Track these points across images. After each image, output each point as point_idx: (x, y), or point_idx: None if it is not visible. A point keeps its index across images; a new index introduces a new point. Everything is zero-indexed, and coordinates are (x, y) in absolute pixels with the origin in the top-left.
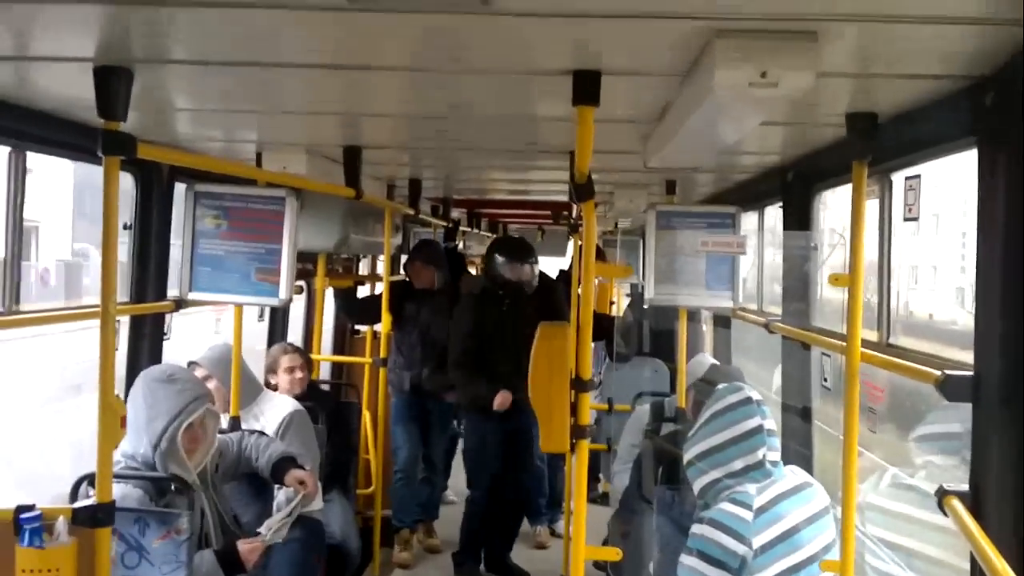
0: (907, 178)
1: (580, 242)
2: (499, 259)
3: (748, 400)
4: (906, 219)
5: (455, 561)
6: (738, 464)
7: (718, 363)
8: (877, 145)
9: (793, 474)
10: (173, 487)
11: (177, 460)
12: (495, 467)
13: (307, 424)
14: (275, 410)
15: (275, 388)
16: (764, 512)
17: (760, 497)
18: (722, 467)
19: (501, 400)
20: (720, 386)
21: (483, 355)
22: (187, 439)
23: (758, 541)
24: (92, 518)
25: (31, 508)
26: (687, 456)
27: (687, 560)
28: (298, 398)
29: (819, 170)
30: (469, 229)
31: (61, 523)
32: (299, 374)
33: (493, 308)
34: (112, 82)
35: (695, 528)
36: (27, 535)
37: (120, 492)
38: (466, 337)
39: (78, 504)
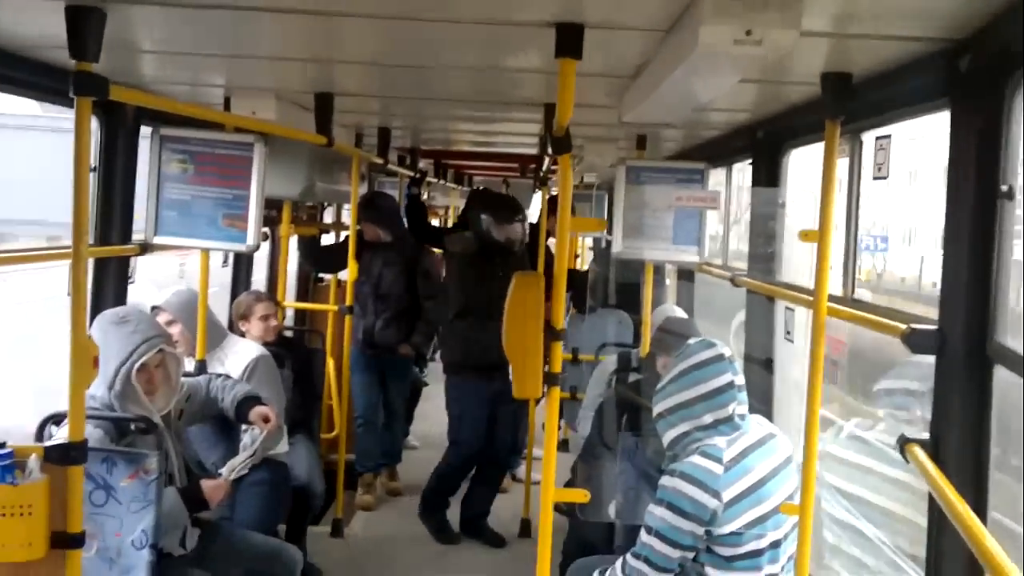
0: (878, 138)
1: (548, 195)
2: (486, 218)
3: (720, 357)
4: (875, 178)
5: (423, 505)
6: (708, 419)
7: (675, 316)
8: (850, 105)
9: (759, 425)
10: (134, 427)
11: (135, 401)
12: (481, 424)
13: (272, 369)
14: (240, 355)
15: (243, 335)
16: (734, 465)
17: (729, 450)
18: (691, 421)
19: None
20: (692, 341)
21: (475, 316)
22: (143, 380)
23: (728, 494)
24: (64, 456)
25: (2, 446)
26: (657, 409)
27: (657, 511)
28: (266, 344)
29: (790, 128)
30: (435, 180)
31: (33, 460)
32: (273, 322)
33: (483, 270)
34: (84, 22)
35: (665, 480)
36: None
37: None
38: (468, 298)
39: (49, 443)
